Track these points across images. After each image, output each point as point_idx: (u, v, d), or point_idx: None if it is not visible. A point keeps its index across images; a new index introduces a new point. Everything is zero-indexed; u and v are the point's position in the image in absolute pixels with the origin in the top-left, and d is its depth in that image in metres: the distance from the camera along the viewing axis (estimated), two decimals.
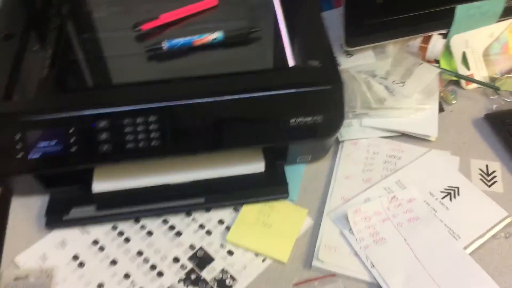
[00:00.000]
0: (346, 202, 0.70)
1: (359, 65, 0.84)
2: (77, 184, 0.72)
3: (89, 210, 0.70)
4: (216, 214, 0.71)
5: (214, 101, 0.65)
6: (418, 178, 0.72)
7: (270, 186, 0.72)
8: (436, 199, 0.70)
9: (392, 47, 0.85)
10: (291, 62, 0.71)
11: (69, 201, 0.71)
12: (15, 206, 0.72)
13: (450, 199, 0.70)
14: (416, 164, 0.74)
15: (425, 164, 0.74)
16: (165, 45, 0.73)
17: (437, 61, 0.86)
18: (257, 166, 0.73)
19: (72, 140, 0.64)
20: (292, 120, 0.67)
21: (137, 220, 0.71)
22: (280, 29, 0.76)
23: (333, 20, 0.93)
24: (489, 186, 0.72)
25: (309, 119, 0.67)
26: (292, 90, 0.66)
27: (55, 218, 0.69)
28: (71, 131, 0.64)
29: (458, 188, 0.71)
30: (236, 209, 0.71)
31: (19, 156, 0.64)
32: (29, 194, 0.73)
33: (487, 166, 0.74)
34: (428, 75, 0.82)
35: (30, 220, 0.71)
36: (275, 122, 0.66)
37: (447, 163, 0.74)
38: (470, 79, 0.84)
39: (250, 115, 0.66)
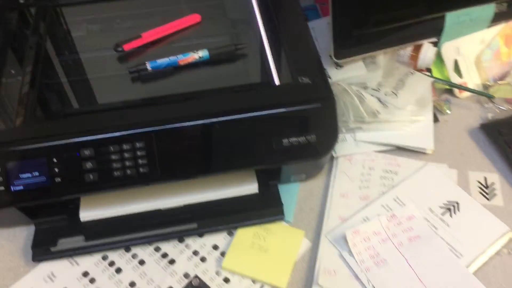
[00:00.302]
0: (343, 222, 0.68)
1: (349, 77, 0.82)
2: (63, 213, 0.69)
3: (77, 241, 0.67)
4: (210, 239, 0.68)
5: (203, 123, 0.63)
6: (417, 194, 0.70)
7: (264, 208, 0.69)
8: (436, 215, 0.68)
9: (382, 57, 0.83)
10: (277, 80, 0.69)
11: (56, 232, 0.68)
12: None
13: (450, 215, 0.68)
14: (414, 179, 0.72)
15: (423, 179, 0.72)
16: (149, 66, 0.70)
17: (428, 70, 0.84)
18: (250, 187, 0.71)
19: (56, 170, 0.61)
20: (285, 140, 0.64)
21: (128, 249, 0.68)
22: (265, 45, 0.74)
23: (321, 30, 0.92)
24: (489, 199, 0.70)
25: (302, 138, 0.65)
26: (283, 110, 0.64)
27: (42, 250, 0.67)
28: (54, 160, 0.61)
29: (457, 203, 0.69)
30: (231, 233, 0.69)
31: (1, 188, 0.61)
32: (13, 225, 0.70)
33: (485, 178, 0.73)
34: (421, 85, 0.80)
35: (16, 253, 0.68)
36: (266, 143, 0.64)
37: (445, 177, 0.72)
38: (463, 88, 0.82)
39: (241, 137, 0.64)
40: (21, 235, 0.70)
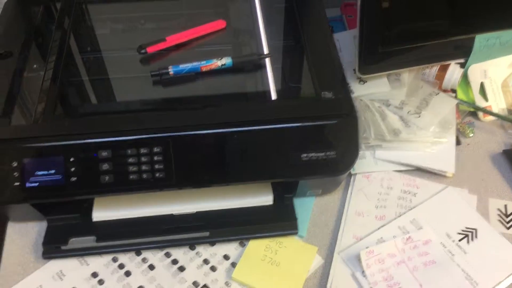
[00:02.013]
0: (358, 241, 0.67)
1: (372, 93, 0.80)
2: (76, 212, 0.69)
3: (88, 240, 0.67)
4: (221, 249, 0.68)
5: (222, 132, 0.62)
6: (435, 218, 0.69)
7: (278, 221, 0.69)
8: (453, 241, 0.66)
9: (407, 75, 0.82)
10: (299, 93, 0.68)
11: (68, 230, 0.68)
12: (10, 233, 0.69)
13: (468, 242, 0.66)
14: (432, 202, 0.71)
15: (442, 203, 0.70)
16: (171, 70, 0.69)
17: (453, 91, 0.83)
18: (265, 198, 0.70)
19: (72, 170, 0.61)
20: (304, 155, 0.63)
21: (138, 253, 0.67)
22: (289, 56, 0.73)
23: (346, 43, 0.90)
24: (508, 228, 0.69)
25: (321, 154, 0.64)
26: (303, 124, 0.63)
27: (53, 248, 0.66)
28: (71, 160, 0.61)
29: (475, 230, 0.68)
30: (242, 244, 0.68)
31: (16, 184, 0.61)
32: (26, 220, 0.70)
33: (505, 206, 0.71)
34: (445, 106, 0.78)
35: (26, 249, 0.68)
36: (285, 156, 0.63)
37: (464, 202, 0.71)
38: (488, 112, 0.81)
39: (259, 149, 0.63)
40: (32, 231, 0.69)
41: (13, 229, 0.70)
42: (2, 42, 0.73)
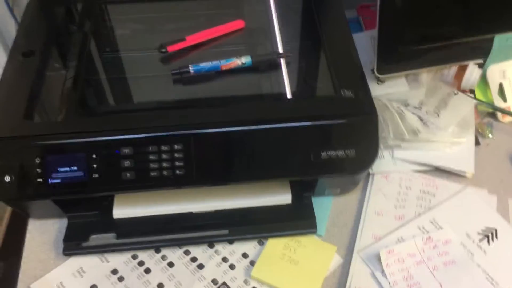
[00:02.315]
0: (377, 240, 0.67)
1: (391, 93, 0.80)
2: (96, 209, 0.69)
3: (108, 238, 0.67)
4: (240, 247, 0.68)
5: (243, 130, 0.63)
6: (454, 218, 0.68)
7: (297, 220, 0.69)
8: (473, 241, 0.66)
9: (426, 75, 0.82)
10: (319, 91, 0.69)
11: (88, 227, 0.68)
12: (31, 229, 0.70)
13: (488, 242, 0.66)
14: (452, 202, 0.70)
15: (461, 203, 0.70)
16: (192, 68, 0.70)
17: (472, 91, 0.82)
18: (283, 197, 0.70)
19: (94, 166, 0.62)
20: (323, 153, 0.64)
21: (158, 250, 0.68)
22: (309, 55, 0.73)
23: (362, 44, 0.90)
24: None
25: (341, 152, 0.64)
26: (323, 122, 0.63)
27: (74, 244, 0.67)
28: (93, 156, 0.62)
29: (496, 230, 0.67)
30: (261, 242, 0.68)
31: (39, 180, 0.61)
32: (46, 217, 0.71)
33: None
34: (464, 107, 0.78)
35: (47, 246, 0.68)
36: (305, 154, 0.63)
37: (484, 203, 0.70)
38: (506, 112, 0.80)
39: (279, 147, 0.63)
40: (53, 228, 0.70)
41: (33, 226, 0.70)
42: (25, 41, 0.74)
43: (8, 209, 1.00)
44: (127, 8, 0.84)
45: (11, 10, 0.95)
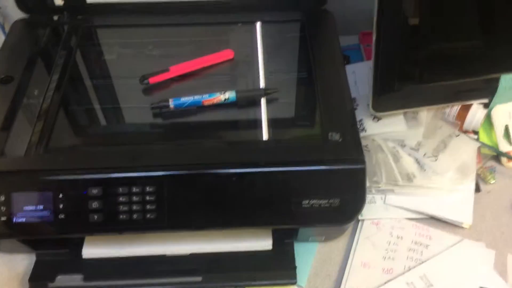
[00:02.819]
0: None
1: (387, 132, 0.75)
2: (66, 247, 0.66)
3: (76, 279, 0.64)
4: None
5: (219, 173, 0.59)
6: (447, 274, 0.63)
7: (276, 268, 0.64)
8: None
9: (425, 113, 0.77)
10: (304, 133, 0.65)
11: (56, 266, 0.65)
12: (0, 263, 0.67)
13: None
14: (445, 256, 0.65)
15: (456, 258, 0.65)
16: (172, 103, 0.66)
17: (475, 133, 0.77)
18: (263, 243, 0.65)
19: (60, 206, 0.58)
20: (305, 202, 0.59)
21: None
22: (296, 92, 0.69)
23: (362, 75, 0.86)
24: None
25: (324, 201, 0.59)
26: (305, 168, 0.59)
27: (40, 284, 0.63)
28: (60, 196, 0.58)
29: None
30: None
31: (3, 219, 0.58)
32: (15, 252, 0.68)
33: None
34: (465, 150, 0.73)
35: (14, 282, 0.65)
36: (285, 202, 0.59)
37: (481, 258, 0.65)
38: None
39: (257, 192, 0.59)
40: (21, 264, 0.67)
41: (2, 260, 0.67)
42: (5, 66, 0.71)
43: None
44: (114, 33, 0.81)
45: (2, 27, 0.92)
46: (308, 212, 0.59)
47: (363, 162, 0.59)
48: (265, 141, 0.64)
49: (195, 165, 0.59)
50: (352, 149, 0.61)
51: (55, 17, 0.81)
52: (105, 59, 0.77)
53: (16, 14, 0.80)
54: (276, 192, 0.59)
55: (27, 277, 0.64)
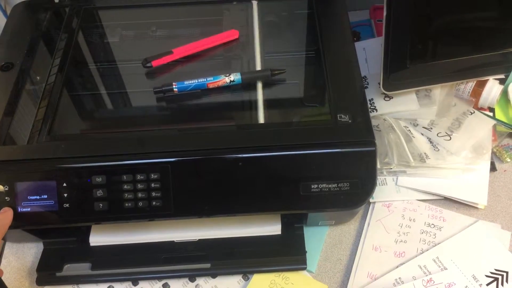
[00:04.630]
0: (373, 280, 0.61)
1: (399, 111, 0.73)
2: (73, 235, 0.65)
3: (83, 268, 0.63)
4: (223, 281, 0.63)
5: (226, 158, 0.57)
6: (461, 257, 0.61)
7: (285, 254, 0.63)
8: (480, 284, 0.59)
9: (439, 91, 0.74)
10: (313, 115, 0.62)
11: (64, 255, 0.64)
12: (7, 254, 0.67)
13: (497, 286, 0.59)
14: (459, 238, 0.63)
15: (470, 239, 0.63)
16: (176, 87, 0.64)
17: (491, 110, 0.74)
18: (272, 228, 0.64)
19: (65, 195, 0.57)
20: (314, 186, 0.57)
21: (135, 282, 0.63)
22: (305, 73, 0.67)
23: (373, 52, 0.83)
24: None
25: (333, 185, 0.57)
26: (314, 151, 0.57)
27: (47, 274, 0.63)
28: (64, 185, 0.57)
29: (507, 273, 0.60)
30: (246, 277, 0.63)
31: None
32: (22, 241, 0.67)
33: None
34: (480, 128, 0.70)
35: (22, 272, 0.65)
36: (293, 187, 0.58)
37: (496, 240, 0.63)
38: None
39: (265, 177, 0.58)
40: (29, 253, 0.67)
41: (10, 250, 0.67)
42: (5, 53, 0.70)
43: None
44: (116, 14, 0.79)
45: (4, 11, 0.91)
46: (317, 197, 0.58)
47: (373, 144, 0.57)
48: (272, 123, 0.62)
49: (201, 150, 0.58)
50: (362, 131, 0.59)
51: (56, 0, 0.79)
52: (107, 42, 0.75)
53: None
54: (284, 176, 0.58)
55: (34, 267, 0.64)
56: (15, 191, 0.57)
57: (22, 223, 0.59)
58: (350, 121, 0.59)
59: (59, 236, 0.65)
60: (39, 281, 0.63)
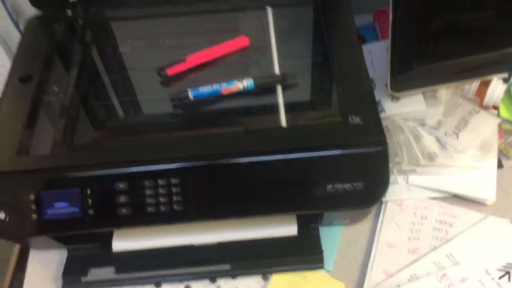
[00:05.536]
0: (389, 277, 0.63)
1: (406, 112, 0.75)
2: (96, 241, 0.67)
3: (108, 272, 0.65)
4: (243, 282, 0.65)
5: (243, 162, 0.59)
6: (473, 252, 0.64)
7: (303, 254, 0.65)
8: (493, 278, 0.61)
9: (445, 91, 0.76)
10: (325, 118, 0.64)
11: (88, 260, 0.66)
12: (32, 261, 0.69)
13: (509, 279, 0.61)
14: (471, 234, 0.65)
15: (481, 235, 0.65)
16: (191, 94, 0.66)
17: (496, 108, 0.76)
18: (289, 229, 0.66)
19: (88, 202, 0.59)
20: (329, 186, 0.59)
21: (158, 284, 0.65)
22: (315, 77, 0.69)
23: (379, 54, 0.85)
24: None
25: (347, 185, 0.59)
26: (328, 153, 0.59)
27: (73, 279, 0.65)
28: (87, 192, 0.59)
29: None
30: (265, 278, 0.65)
31: (33, 217, 0.59)
32: (46, 249, 0.69)
33: None
34: (486, 126, 0.73)
35: (48, 279, 0.67)
36: (309, 188, 0.59)
37: (506, 235, 0.65)
38: None
39: (282, 179, 0.60)
40: (53, 260, 0.69)
41: (34, 257, 0.69)
42: (22, 65, 0.72)
43: None
44: (128, 25, 0.81)
45: (16, 24, 0.93)
46: (333, 197, 0.59)
47: (385, 144, 0.59)
48: (287, 127, 0.64)
49: (218, 155, 0.59)
50: (374, 131, 0.60)
51: (69, 12, 0.81)
52: (121, 53, 0.77)
53: (30, 9, 0.80)
54: (300, 178, 0.60)
55: (60, 274, 0.66)
56: (40, 199, 0.59)
57: (48, 231, 0.61)
58: (361, 122, 0.61)
59: (83, 242, 0.67)
60: (65, 286, 0.65)
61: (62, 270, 0.66)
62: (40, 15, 0.80)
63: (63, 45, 0.76)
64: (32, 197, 0.59)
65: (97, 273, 0.65)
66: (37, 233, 0.61)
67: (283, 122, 0.64)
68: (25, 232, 0.61)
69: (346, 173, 0.59)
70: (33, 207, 0.59)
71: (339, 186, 0.59)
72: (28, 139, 0.63)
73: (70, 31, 0.79)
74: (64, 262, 0.67)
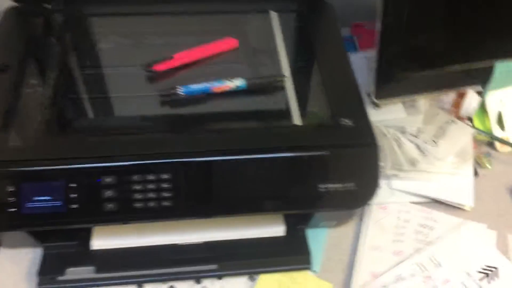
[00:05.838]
0: (375, 278, 0.63)
1: (387, 119, 0.77)
2: (74, 239, 0.64)
3: (87, 271, 0.62)
4: (230, 283, 0.63)
5: (234, 159, 0.58)
6: (454, 255, 0.65)
7: (290, 254, 0.65)
8: (474, 280, 0.63)
9: (423, 101, 0.79)
10: (317, 120, 0.65)
11: (65, 259, 0.63)
12: (2, 259, 0.65)
13: (489, 281, 0.63)
14: (451, 238, 0.67)
15: (460, 239, 0.67)
16: (181, 91, 0.65)
17: (470, 119, 0.80)
18: (276, 229, 0.66)
19: (72, 196, 0.57)
20: (321, 186, 0.60)
21: (140, 285, 0.63)
22: (305, 80, 0.70)
23: (357, 65, 0.86)
24: None
25: (339, 186, 0.60)
26: (321, 153, 0.60)
27: (49, 278, 0.61)
28: (72, 185, 0.57)
29: (496, 268, 0.64)
30: (252, 278, 0.64)
31: (11, 210, 0.56)
32: (19, 247, 0.65)
33: None
34: (462, 136, 0.76)
35: (19, 277, 0.63)
36: (300, 187, 0.60)
37: (484, 239, 0.68)
38: (505, 142, 0.78)
39: (273, 178, 0.60)
40: (26, 258, 0.65)
41: (5, 256, 0.65)
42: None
43: None
44: (111, 22, 0.79)
45: None
46: (324, 197, 0.60)
47: (376, 145, 0.61)
48: (278, 127, 0.64)
49: (208, 152, 0.58)
50: (365, 133, 0.62)
51: (47, 6, 0.78)
52: (105, 48, 0.75)
53: (5, 1, 0.77)
54: (292, 178, 0.60)
55: (32, 273, 0.62)
56: (20, 192, 0.56)
57: (28, 225, 0.58)
58: (352, 124, 0.62)
59: (60, 240, 0.64)
60: (40, 285, 0.61)
61: (34, 270, 0.62)
62: (16, 6, 0.77)
63: (43, 37, 0.74)
64: (11, 189, 0.56)
65: (74, 272, 0.62)
66: (16, 227, 0.58)
67: (275, 122, 0.65)
68: (3, 226, 0.58)
69: (338, 174, 0.60)
70: (13, 199, 0.56)
71: (331, 186, 0.60)
72: (9, 130, 0.59)
73: (50, 24, 0.76)
74: (39, 261, 0.63)
